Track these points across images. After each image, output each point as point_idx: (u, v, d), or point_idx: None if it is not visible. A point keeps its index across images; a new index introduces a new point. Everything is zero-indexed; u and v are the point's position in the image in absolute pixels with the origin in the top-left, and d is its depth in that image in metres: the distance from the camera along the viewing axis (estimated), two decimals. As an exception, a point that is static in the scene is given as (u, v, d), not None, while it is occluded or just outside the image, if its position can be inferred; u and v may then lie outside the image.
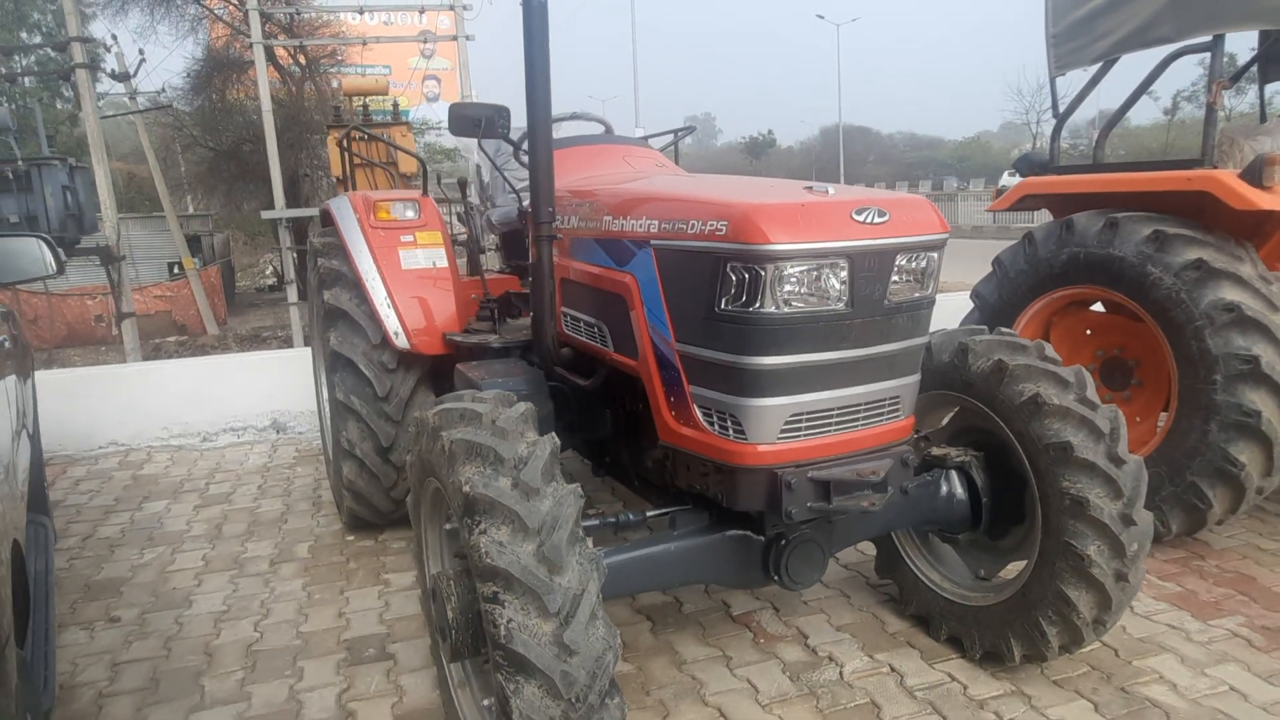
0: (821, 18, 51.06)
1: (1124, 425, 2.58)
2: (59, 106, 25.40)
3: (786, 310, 2.09)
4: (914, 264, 2.21)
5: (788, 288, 2.07)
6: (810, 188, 2.27)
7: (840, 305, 2.13)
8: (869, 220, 2.11)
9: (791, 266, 2.06)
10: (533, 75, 2.51)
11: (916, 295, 2.26)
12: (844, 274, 2.10)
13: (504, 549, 1.83)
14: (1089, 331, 4.19)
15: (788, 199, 2.15)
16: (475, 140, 3.83)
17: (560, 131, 3.53)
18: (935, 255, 2.27)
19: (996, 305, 4.18)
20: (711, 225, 2.14)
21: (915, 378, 2.38)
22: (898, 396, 2.33)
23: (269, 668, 3.00)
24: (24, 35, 25.17)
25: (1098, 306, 4.18)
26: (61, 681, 2.93)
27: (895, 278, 2.18)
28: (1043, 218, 4.42)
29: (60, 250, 3.28)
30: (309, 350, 5.67)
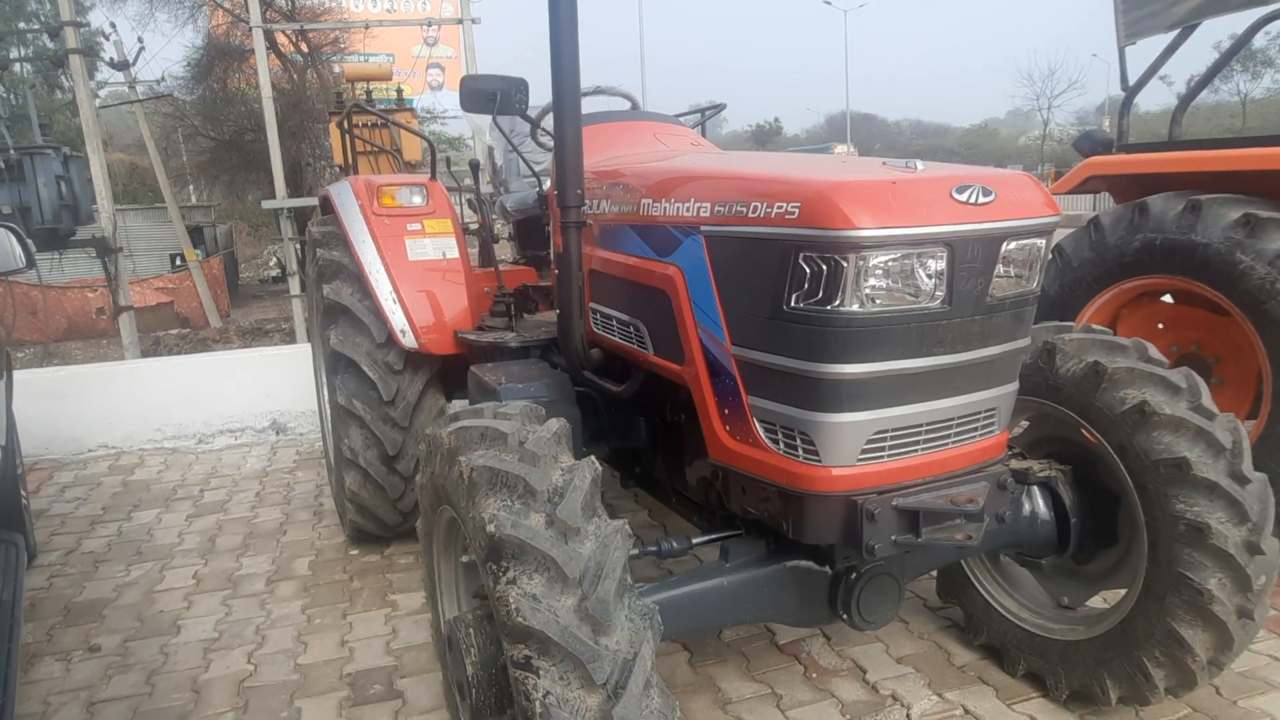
0: (829, 3, 50.55)
1: (1246, 438, 2.23)
2: (59, 96, 25.08)
3: (872, 309, 1.74)
4: (1021, 253, 1.86)
5: (873, 282, 1.73)
6: (886, 163, 1.92)
7: (935, 303, 1.78)
8: (973, 200, 1.75)
9: (879, 256, 1.71)
10: (558, 42, 2.15)
11: (1021, 290, 1.91)
12: (941, 265, 1.75)
13: (538, 605, 1.49)
14: (1161, 325, 3.83)
15: (872, 176, 1.79)
16: (487, 121, 3.48)
17: (582, 108, 3.18)
18: (1043, 242, 1.92)
19: (1057, 297, 3.81)
20: (780, 207, 1.79)
21: (1014, 386, 2.03)
22: (995, 408, 1.98)
23: (262, 708, 2.67)
24: (21, 25, 24.82)
25: (1166, 298, 3.82)
26: (31, 725, 2.62)
27: (1000, 269, 1.83)
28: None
29: (30, 242, 2.95)
30: (310, 346, 5.34)
